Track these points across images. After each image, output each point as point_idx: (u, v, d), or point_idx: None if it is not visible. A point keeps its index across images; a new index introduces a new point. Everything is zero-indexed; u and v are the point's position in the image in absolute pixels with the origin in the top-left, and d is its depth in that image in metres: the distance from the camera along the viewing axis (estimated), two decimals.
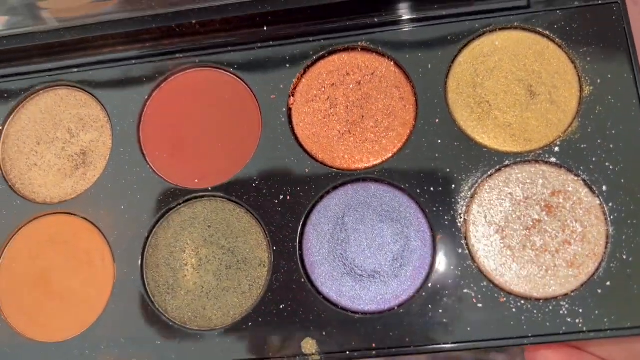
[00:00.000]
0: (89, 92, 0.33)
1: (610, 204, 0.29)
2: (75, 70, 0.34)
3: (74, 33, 0.34)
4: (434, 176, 0.30)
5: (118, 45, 0.34)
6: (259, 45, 0.33)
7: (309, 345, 0.29)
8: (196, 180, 0.32)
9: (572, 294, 0.29)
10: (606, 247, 0.29)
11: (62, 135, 0.33)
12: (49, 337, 0.31)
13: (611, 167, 0.29)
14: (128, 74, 0.33)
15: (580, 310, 0.28)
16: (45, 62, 0.34)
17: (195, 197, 0.32)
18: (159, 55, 0.34)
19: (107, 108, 0.33)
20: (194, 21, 0.33)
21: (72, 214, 0.32)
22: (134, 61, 0.33)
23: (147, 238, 0.31)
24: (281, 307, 0.30)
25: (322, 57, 0.33)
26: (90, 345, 0.30)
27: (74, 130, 0.33)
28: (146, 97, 0.33)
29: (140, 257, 0.31)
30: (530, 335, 0.28)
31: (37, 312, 0.31)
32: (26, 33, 0.34)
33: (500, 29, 0.32)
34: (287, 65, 0.32)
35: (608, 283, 0.28)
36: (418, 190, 0.30)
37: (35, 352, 0.31)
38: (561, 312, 0.28)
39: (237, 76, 0.33)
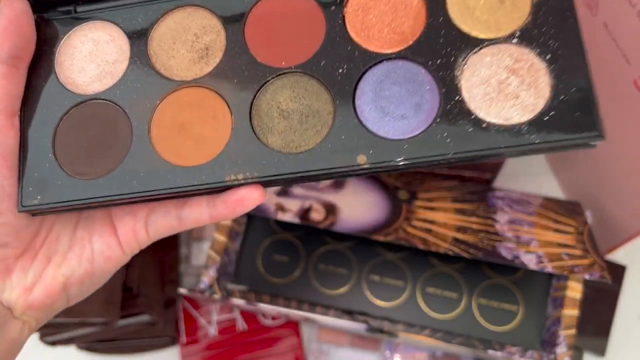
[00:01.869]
0: (208, 9, 0.50)
1: (552, 65, 0.46)
2: None
3: None
4: (440, 54, 0.47)
5: None
6: None
7: (362, 159, 0.46)
8: (283, 63, 0.48)
9: (529, 121, 0.45)
10: (551, 91, 0.46)
11: (191, 38, 0.50)
12: (190, 163, 0.47)
13: (552, 43, 0.46)
14: None
15: (534, 129, 0.45)
16: None
17: (283, 73, 0.48)
18: None
19: (221, 19, 0.50)
20: None
21: (201, 86, 0.49)
22: None
23: (253, 99, 0.48)
24: (342, 137, 0.47)
25: None
26: (218, 166, 0.47)
27: (199, 34, 0.50)
28: (248, 10, 0.50)
29: (249, 111, 0.48)
30: (503, 146, 0.45)
31: (180, 149, 0.47)
32: None
33: None
34: None
35: (552, 113, 0.45)
36: (429, 62, 0.47)
37: (181, 173, 0.47)
38: (522, 132, 0.45)
39: None
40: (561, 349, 0.62)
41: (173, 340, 0.66)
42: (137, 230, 0.51)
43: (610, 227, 0.63)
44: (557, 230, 0.59)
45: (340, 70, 0.48)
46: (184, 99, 0.49)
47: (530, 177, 0.73)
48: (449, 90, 0.47)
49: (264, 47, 0.50)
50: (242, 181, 0.47)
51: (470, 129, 0.46)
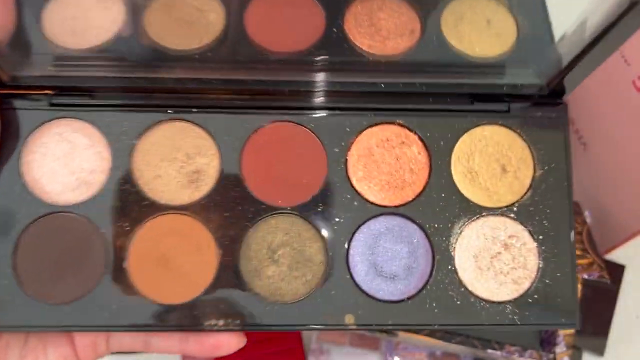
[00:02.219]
0: (204, 129, 0.47)
1: (543, 247, 0.47)
2: (194, 110, 0.47)
3: (193, 83, 0.47)
4: (438, 217, 0.47)
5: (224, 94, 0.48)
6: (329, 112, 0.48)
7: (349, 319, 0.46)
8: (279, 201, 0.46)
9: (514, 301, 0.47)
10: (537, 273, 0.47)
11: (181, 157, 0.47)
12: (168, 301, 0.45)
13: (546, 224, 0.48)
14: (234, 119, 0.47)
15: (517, 311, 0.46)
16: (169, 100, 0.47)
17: (278, 213, 0.46)
18: (256, 107, 0.48)
19: (218, 143, 0.47)
20: (286, 89, 0.47)
21: (188, 215, 0.46)
22: (237, 110, 0.47)
23: (242, 237, 0.46)
24: (332, 292, 0.46)
25: (371, 126, 0.48)
26: (199, 308, 0.44)
27: (191, 154, 0.47)
28: (247, 137, 0.47)
29: (238, 249, 0.46)
30: (486, 323, 0.46)
31: (159, 282, 0.45)
32: (155, 77, 0.47)
33: (488, 124, 0.49)
34: (347, 129, 0.48)
35: (535, 296, 0.47)
36: (427, 225, 0.47)
37: (156, 310, 0.45)
38: (506, 311, 0.46)
39: (312, 131, 0.48)
40: (560, 348, 0.63)
41: None
42: (97, 344, 0.47)
43: (609, 227, 0.62)
44: None
45: (337, 219, 0.47)
46: (167, 226, 0.46)
47: None
48: (443, 259, 0.47)
49: (261, 180, 0.48)
50: (223, 327, 0.45)
51: (458, 302, 0.46)
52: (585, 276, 0.60)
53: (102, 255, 0.45)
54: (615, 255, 0.68)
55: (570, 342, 0.63)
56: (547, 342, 0.65)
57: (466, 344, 0.64)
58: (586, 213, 0.63)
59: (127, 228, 0.46)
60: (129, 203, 0.46)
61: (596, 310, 0.68)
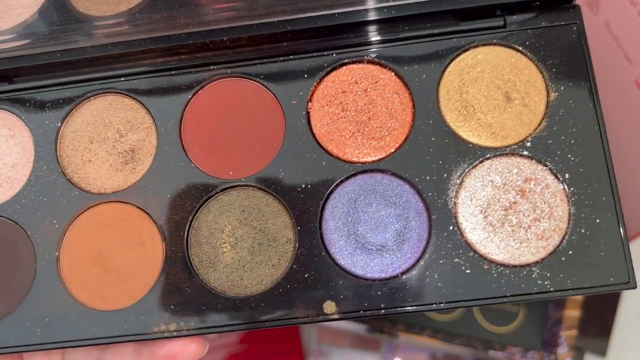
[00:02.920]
0: (135, 98, 0.40)
1: (572, 189, 0.37)
2: (122, 79, 0.40)
3: (120, 47, 0.40)
4: (429, 168, 0.38)
5: (158, 57, 0.40)
6: (281, 59, 0.40)
7: (330, 306, 0.36)
8: (231, 173, 0.38)
9: (542, 262, 0.36)
10: (568, 223, 0.36)
11: (112, 135, 0.39)
12: (108, 306, 0.37)
13: (572, 158, 0.37)
14: (169, 82, 0.40)
15: (548, 274, 0.36)
16: (94, 72, 0.40)
17: (231, 187, 0.38)
18: (195, 66, 0.40)
19: (152, 112, 0.39)
20: (225, 38, 0.39)
21: (124, 202, 0.38)
22: (173, 72, 0.40)
23: (191, 221, 0.38)
24: (305, 276, 0.37)
25: (335, 68, 0.40)
26: (145, 312, 0.37)
27: (123, 130, 0.39)
28: (185, 102, 0.40)
29: (185, 237, 0.38)
30: (508, 295, 0.36)
31: (97, 286, 0.38)
32: (78, 48, 0.40)
33: (482, 45, 0.39)
34: (305, 76, 0.39)
35: (570, 252, 0.36)
36: (416, 179, 0.38)
37: (97, 319, 0.37)
38: (533, 275, 0.36)
39: (263, 85, 0.39)
40: (562, 350, 0.61)
41: None
42: None
43: None
44: None
45: (303, 185, 0.38)
46: (102, 219, 0.39)
47: None
48: (441, 218, 0.37)
49: (207, 151, 0.39)
50: (175, 333, 0.37)
51: (468, 271, 0.36)
52: None
53: (31, 261, 0.38)
54: None
55: (572, 343, 0.60)
56: (549, 343, 0.62)
57: (467, 345, 0.61)
58: None
59: (57, 226, 0.39)
60: (56, 197, 0.39)
61: (598, 311, 0.68)
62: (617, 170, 0.57)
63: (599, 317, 0.66)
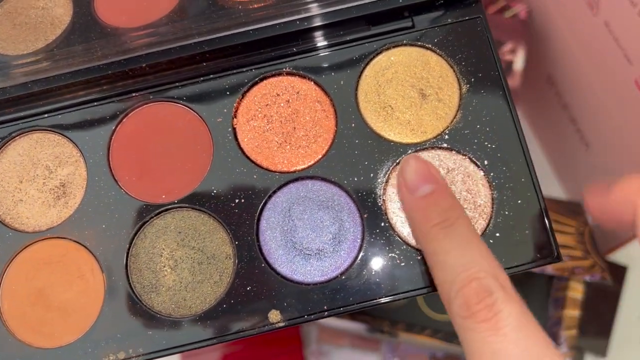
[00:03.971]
0: (60, 133, 0.40)
1: (492, 174, 0.39)
2: (46, 115, 0.40)
3: (40, 84, 0.40)
4: (356, 169, 0.39)
5: (79, 90, 0.41)
6: (202, 79, 0.40)
7: (274, 315, 0.37)
8: (163, 196, 0.39)
9: None
10: (492, 207, 0.38)
11: (42, 172, 0.39)
12: (55, 343, 0.38)
13: (489, 145, 0.39)
14: (93, 114, 0.41)
15: None
16: (17, 112, 0.41)
17: (165, 210, 0.39)
18: (117, 95, 0.41)
19: (79, 145, 0.40)
20: (144, 64, 0.40)
21: (60, 237, 0.38)
22: (95, 103, 0.40)
23: (128, 249, 0.38)
24: (248, 289, 0.38)
25: (255, 83, 0.41)
26: (92, 344, 0.37)
27: (52, 167, 0.39)
28: (111, 132, 0.40)
29: (124, 266, 0.38)
30: None
31: (40, 325, 0.38)
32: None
33: (393, 47, 0.41)
34: (227, 93, 0.40)
35: (497, 234, 0.38)
36: (345, 182, 0.39)
37: (45, 357, 0.37)
38: None
39: (187, 106, 0.40)
40: (562, 350, 0.61)
41: None
42: None
43: None
44: (557, 231, 0.55)
45: (237, 200, 0.39)
46: (39, 257, 0.39)
47: None
48: (372, 216, 0.39)
49: (137, 177, 0.40)
50: None
51: (403, 264, 0.38)
52: (587, 278, 0.59)
53: None
54: (618, 256, 0.68)
55: (572, 343, 0.61)
56: None
57: None
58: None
59: None
60: None
61: (598, 311, 0.68)
62: (618, 170, 0.59)
63: (599, 318, 0.67)
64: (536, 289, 0.64)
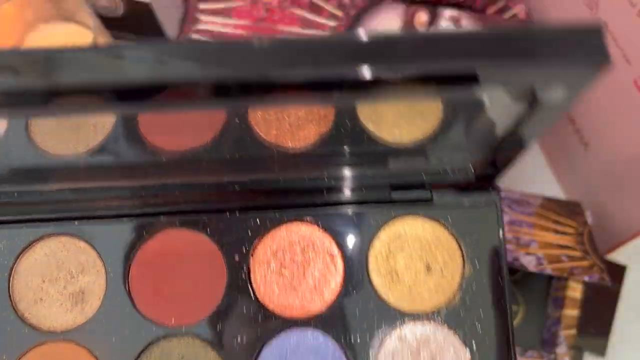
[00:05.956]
0: (87, 242, 0.43)
1: (477, 357, 0.42)
2: (76, 222, 0.43)
3: (76, 194, 0.43)
4: (355, 328, 0.42)
5: (113, 201, 0.44)
6: (228, 214, 0.43)
7: None
8: (173, 320, 0.42)
9: None
10: None
11: (64, 276, 0.43)
12: None
13: (480, 327, 0.42)
14: (121, 228, 0.44)
15: None
16: (50, 213, 0.44)
17: (172, 335, 0.42)
18: (146, 215, 0.44)
19: (102, 256, 0.43)
20: (176, 192, 0.43)
21: (72, 342, 0.42)
22: (124, 218, 0.43)
23: None
24: None
25: (275, 227, 0.44)
26: None
27: (74, 272, 0.43)
28: (135, 249, 0.43)
29: None
30: None
31: None
32: (34, 190, 0.43)
33: (408, 216, 0.44)
34: (249, 233, 0.43)
35: None
36: (342, 339, 0.42)
37: None
38: None
39: (209, 237, 0.43)
40: (561, 349, 0.61)
41: None
42: None
43: (610, 227, 0.62)
44: (557, 231, 0.58)
45: (239, 338, 0.42)
46: (50, 357, 0.42)
47: (531, 177, 0.71)
48: None
49: (151, 298, 0.44)
50: None
51: None
52: (586, 279, 0.59)
53: None
54: (617, 256, 0.68)
55: (571, 342, 0.60)
56: (548, 342, 0.62)
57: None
58: (587, 213, 0.62)
59: None
60: (7, 333, 0.42)
61: (597, 311, 0.67)
62: (617, 171, 0.59)
63: (599, 317, 0.66)
64: (535, 289, 0.64)
